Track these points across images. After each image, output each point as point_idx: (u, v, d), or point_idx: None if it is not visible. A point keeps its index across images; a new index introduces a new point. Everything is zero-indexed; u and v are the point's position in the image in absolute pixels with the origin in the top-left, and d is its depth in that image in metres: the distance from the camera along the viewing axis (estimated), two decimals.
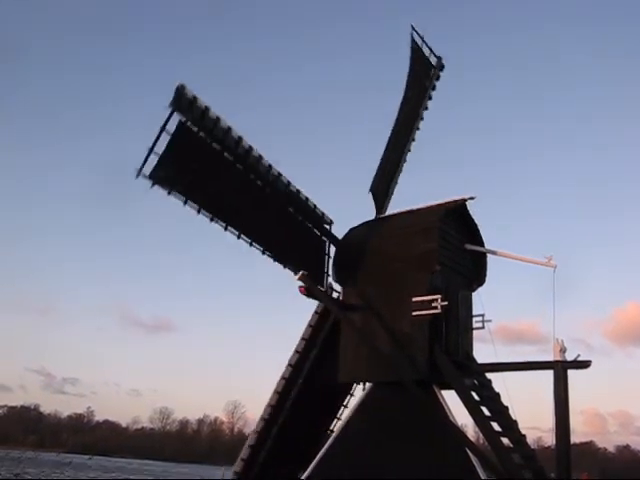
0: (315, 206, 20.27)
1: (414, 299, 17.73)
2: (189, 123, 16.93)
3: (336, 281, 20.07)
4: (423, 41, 22.52)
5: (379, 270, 18.95)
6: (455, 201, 19.16)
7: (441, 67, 23.02)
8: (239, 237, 18.18)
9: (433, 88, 22.84)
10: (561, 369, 16.19)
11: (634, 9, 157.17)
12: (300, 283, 18.54)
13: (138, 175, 16.11)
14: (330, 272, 20.24)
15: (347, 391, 21.19)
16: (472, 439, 18.82)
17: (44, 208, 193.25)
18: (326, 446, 18.74)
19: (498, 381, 18.26)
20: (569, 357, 16.39)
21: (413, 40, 22.38)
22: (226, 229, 17.92)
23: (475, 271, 20.04)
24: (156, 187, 16.41)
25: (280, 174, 19.12)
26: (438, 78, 23.00)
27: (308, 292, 18.41)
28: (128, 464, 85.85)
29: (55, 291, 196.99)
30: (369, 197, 20.97)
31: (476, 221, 19.92)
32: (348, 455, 17.92)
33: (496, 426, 16.87)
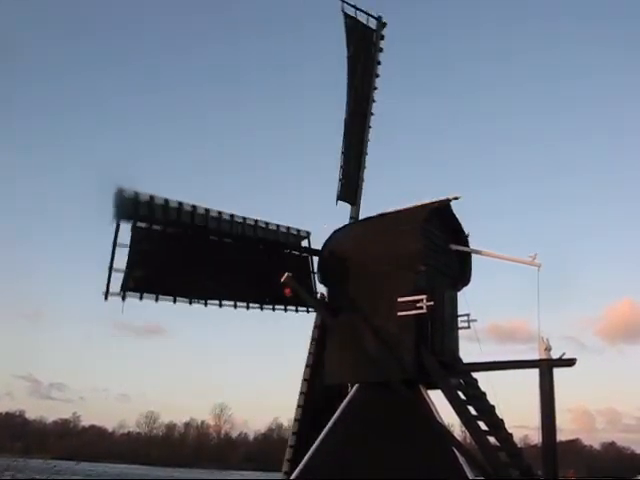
0: (288, 228, 20.22)
1: (399, 300, 17.76)
2: (139, 224, 17.06)
3: (321, 283, 20.10)
4: (356, 9, 21.45)
5: (364, 271, 18.95)
6: (439, 201, 19.21)
7: (383, 25, 22.02)
8: (220, 306, 18.63)
9: (380, 50, 22.11)
10: (546, 368, 16.25)
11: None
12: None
13: (106, 298, 16.48)
14: (315, 275, 20.33)
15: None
16: (459, 438, 18.91)
17: (34, 211, 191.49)
18: (313, 447, 18.69)
19: (489, 380, 18.33)
20: (557, 355, 16.48)
21: (345, 14, 21.16)
22: (206, 305, 18.30)
23: (460, 271, 20.09)
24: (128, 300, 16.81)
25: (245, 218, 19.20)
26: (382, 37, 22.13)
27: (293, 294, 18.40)
28: (110, 469, 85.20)
29: (44, 296, 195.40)
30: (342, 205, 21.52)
31: (460, 221, 19.98)
32: (335, 456, 17.91)
33: (483, 425, 16.93)
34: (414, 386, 17.60)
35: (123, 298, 16.71)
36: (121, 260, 16.71)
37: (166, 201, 17.73)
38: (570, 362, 16.41)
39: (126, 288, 16.67)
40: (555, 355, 16.39)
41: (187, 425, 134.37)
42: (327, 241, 20.44)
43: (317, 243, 20.80)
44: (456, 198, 19.16)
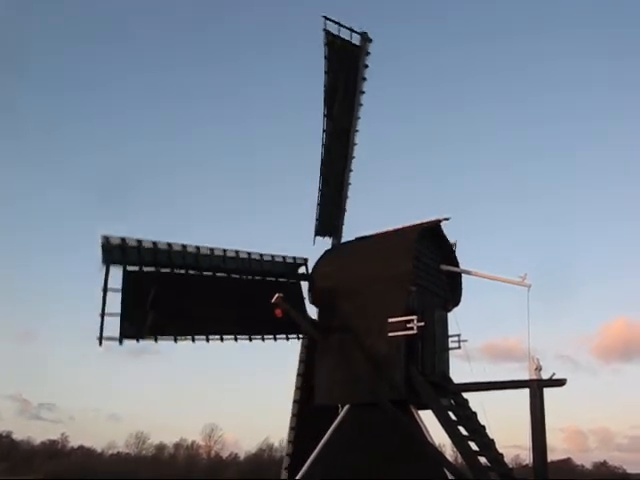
0: (284, 257, 20.48)
1: (390, 320, 17.84)
2: (129, 268, 17.25)
3: (312, 303, 20.12)
4: (340, 26, 20.42)
5: (355, 291, 19.02)
6: (430, 222, 19.33)
7: (369, 40, 20.93)
8: (222, 340, 18.89)
9: (366, 67, 21.08)
10: (537, 387, 16.31)
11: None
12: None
13: (101, 343, 16.61)
14: (306, 294, 20.39)
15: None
16: (450, 458, 18.88)
17: (24, 229, 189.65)
18: (305, 468, 18.67)
19: (480, 400, 18.36)
20: (548, 375, 16.52)
21: (327, 32, 20.12)
22: (207, 340, 18.59)
23: (451, 291, 20.19)
24: (125, 343, 17.01)
25: (237, 252, 19.52)
26: (368, 53, 21.13)
27: (285, 315, 18.40)
28: None
29: (34, 315, 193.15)
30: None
31: (451, 241, 20.08)
32: (327, 476, 17.86)
33: (473, 445, 16.93)
34: (405, 406, 17.62)
35: (120, 342, 16.84)
36: (114, 304, 16.90)
37: (154, 244, 17.94)
38: (560, 382, 16.46)
39: (123, 334, 16.81)
40: (546, 375, 16.48)
41: (177, 445, 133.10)
42: (318, 261, 20.50)
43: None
44: (446, 219, 19.30)
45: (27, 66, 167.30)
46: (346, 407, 18.77)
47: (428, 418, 17.62)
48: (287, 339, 20.39)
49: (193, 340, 18.33)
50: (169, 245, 18.26)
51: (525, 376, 16.72)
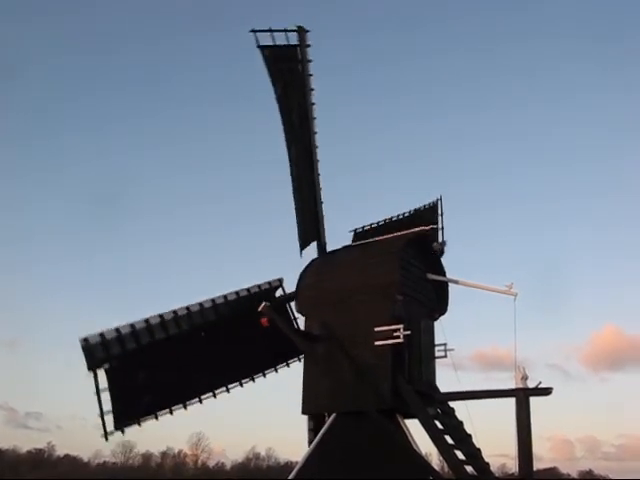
0: (259, 286, 20.72)
1: (377, 329, 17.84)
2: (113, 363, 17.72)
3: (299, 312, 20.09)
4: (271, 32, 18.54)
5: (342, 300, 19.01)
6: (416, 231, 19.39)
7: (305, 31, 18.77)
8: (228, 391, 19.63)
9: (309, 61, 19.16)
10: (523, 396, 16.34)
11: None
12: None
13: (107, 439, 17.67)
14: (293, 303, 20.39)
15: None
16: (436, 468, 18.87)
17: (17, 235, 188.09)
18: (291, 476, 18.61)
19: (467, 408, 18.36)
20: (534, 384, 16.55)
21: (262, 48, 18.76)
22: (201, 402, 19.15)
23: (437, 300, 20.23)
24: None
25: (214, 300, 19.74)
26: (308, 46, 19.01)
27: (271, 323, 18.37)
28: None
29: (24, 324, 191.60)
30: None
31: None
32: None
33: (460, 454, 16.95)
34: (391, 415, 17.60)
35: (123, 432, 17.78)
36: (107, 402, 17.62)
37: (132, 326, 18.23)
38: (546, 391, 16.49)
39: (120, 426, 17.56)
40: (533, 384, 16.51)
41: (164, 454, 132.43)
42: (304, 270, 20.46)
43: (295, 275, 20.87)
44: (432, 228, 19.38)
45: (27, 68, 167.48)
46: (332, 416, 18.73)
47: (414, 427, 17.65)
48: (288, 366, 21.05)
49: (200, 401, 19.08)
50: (146, 321, 18.52)
51: (514, 385, 16.79)
